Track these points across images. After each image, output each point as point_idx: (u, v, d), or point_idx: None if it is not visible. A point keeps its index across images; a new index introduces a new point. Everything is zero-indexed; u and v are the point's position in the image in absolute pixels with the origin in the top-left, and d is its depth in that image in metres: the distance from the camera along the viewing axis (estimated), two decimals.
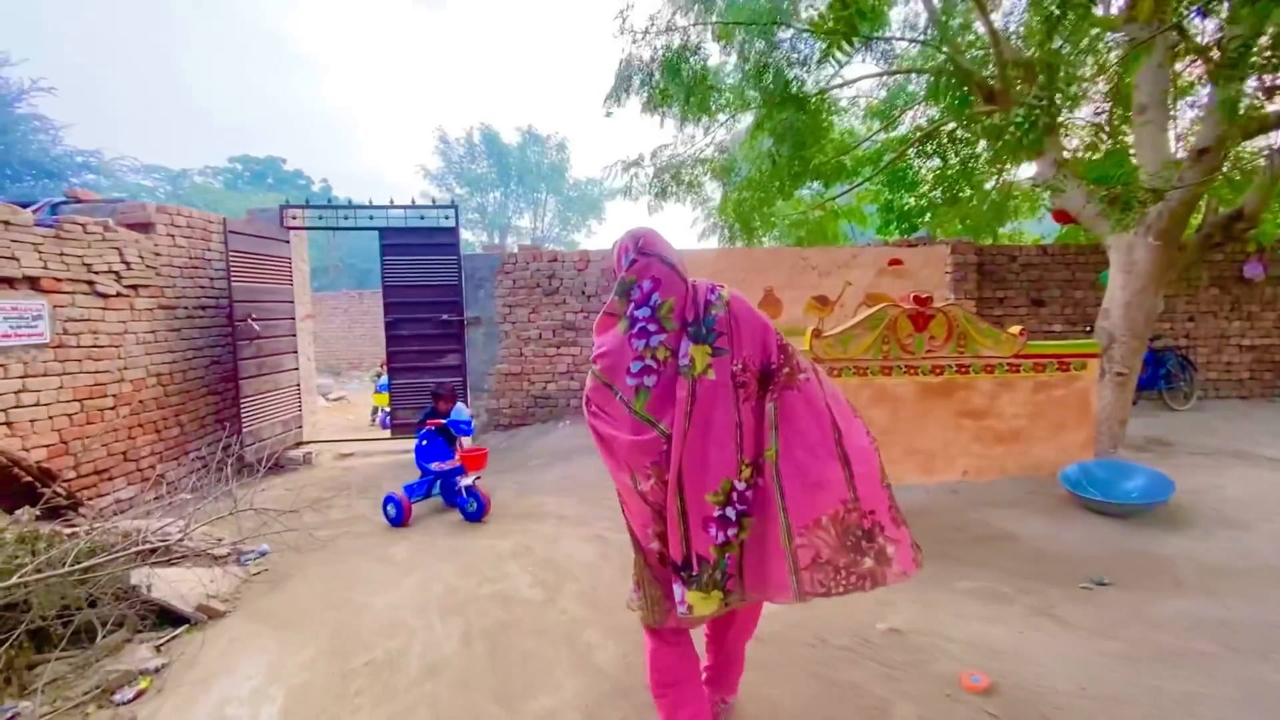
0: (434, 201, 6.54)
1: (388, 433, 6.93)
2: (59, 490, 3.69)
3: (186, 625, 2.99)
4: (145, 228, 5.03)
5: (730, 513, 1.60)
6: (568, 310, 6.65)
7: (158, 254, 5.06)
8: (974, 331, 4.17)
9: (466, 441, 4.78)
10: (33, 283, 3.96)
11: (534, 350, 6.66)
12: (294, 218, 6.42)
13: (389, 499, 4.30)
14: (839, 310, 6.57)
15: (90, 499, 4.35)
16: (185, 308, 5.39)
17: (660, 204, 7.63)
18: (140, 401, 4.83)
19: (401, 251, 6.45)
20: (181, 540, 3.65)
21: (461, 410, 4.57)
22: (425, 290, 6.50)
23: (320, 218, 6.45)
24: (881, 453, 1.73)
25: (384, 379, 8.81)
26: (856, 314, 6.50)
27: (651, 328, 1.66)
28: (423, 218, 6.49)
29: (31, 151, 19.43)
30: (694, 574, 1.59)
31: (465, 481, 4.29)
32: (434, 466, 4.53)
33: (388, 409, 8.04)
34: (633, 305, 1.69)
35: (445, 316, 6.52)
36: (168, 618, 3.05)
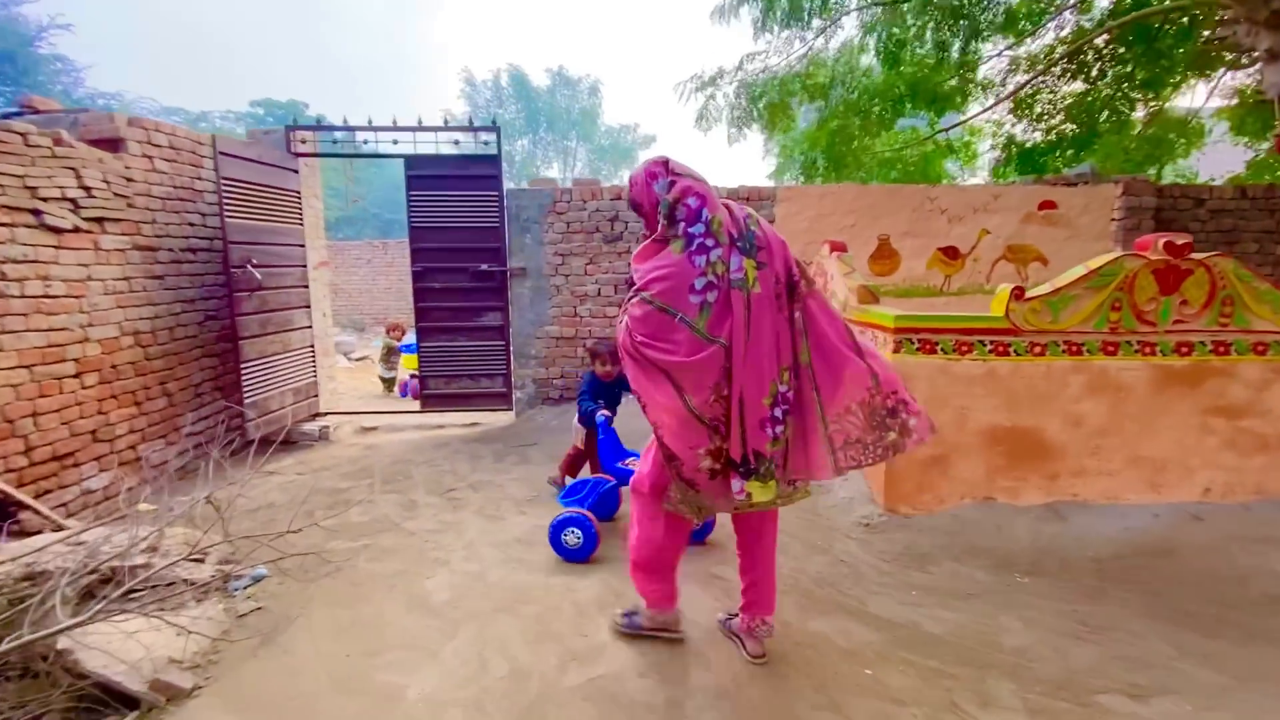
0: (471, 122, 5.37)
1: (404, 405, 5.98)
2: None
3: (136, 713, 2.04)
4: (113, 145, 3.98)
5: (778, 412, 1.82)
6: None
7: (130, 180, 4.02)
8: (1247, 295, 2.94)
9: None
10: None
11: (591, 309, 5.55)
12: (303, 141, 5.33)
13: (566, 524, 2.92)
14: (970, 265, 5.32)
15: (47, 492, 3.43)
16: (170, 249, 4.37)
17: (741, 133, 6.38)
18: (113, 367, 3.87)
19: (431, 185, 5.34)
20: (145, 565, 2.70)
21: None
22: (460, 233, 5.40)
23: (334, 142, 5.34)
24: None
25: (406, 340, 7.82)
26: (993, 271, 5.25)
27: (709, 243, 1.76)
28: (457, 143, 5.33)
29: (55, 93, 18.59)
30: (753, 468, 1.81)
31: None
32: (631, 465, 3.14)
33: (414, 375, 7.11)
34: (684, 224, 1.77)
35: (485, 266, 5.44)
36: (112, 695, 2.10)
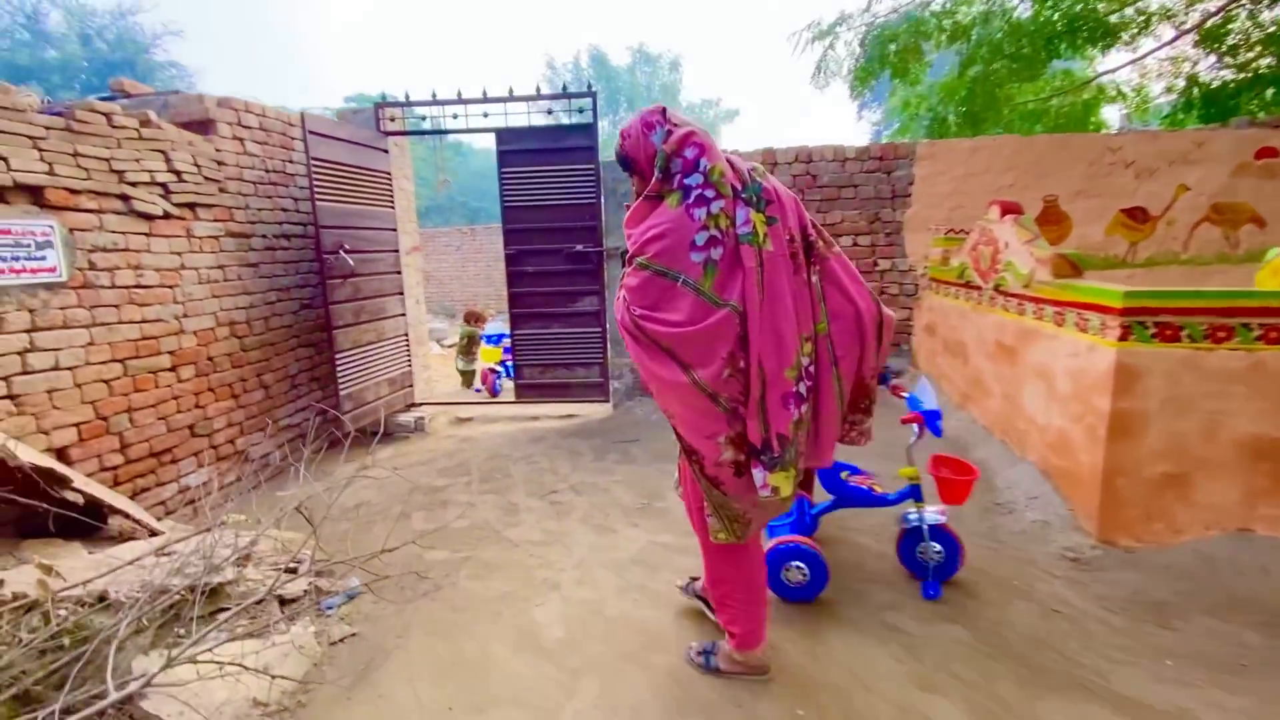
0: (565, 88, 4.92)
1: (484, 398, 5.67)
2: (74, 495, 2.57)
3: None
4: (204, 127, 3.80)
5: (802, 388, 1.61)
6: None
7: (221, 163, 3.83)
8: None
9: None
10: (34, 195, 2.78)
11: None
12: (391, 119, 5.06)
13: (787, 557, 2.28)
14: (1162, 230, 4.36)
15: (144, 490, 3.29)
16: (263, 235, 4.20)
17: (866, 85, 5.59)
18: (209, 359, 3.71)
19: (524, 159, 4.94)
20: (233, 582, 2.44)
21: (925, 389, 2.42)
22: (555, 212, 4.98)
23: (423, 119, 5.04)
24: None
25: (489, 329, 7.48)
26: (1192, 235, 4.28)
27: (709, 194, 1.54)
28: (550, 112, 4.90)
29: None
30: (775, 455, 1.57)
31: (931, 517, 2.35)
32: (858, 482, 2.55)
33: (497, 368, 6.80)
34: (680, 175, 1.57)
35: (579, 248, 5.00)
36: None
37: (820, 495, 2.70)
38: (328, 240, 4.31)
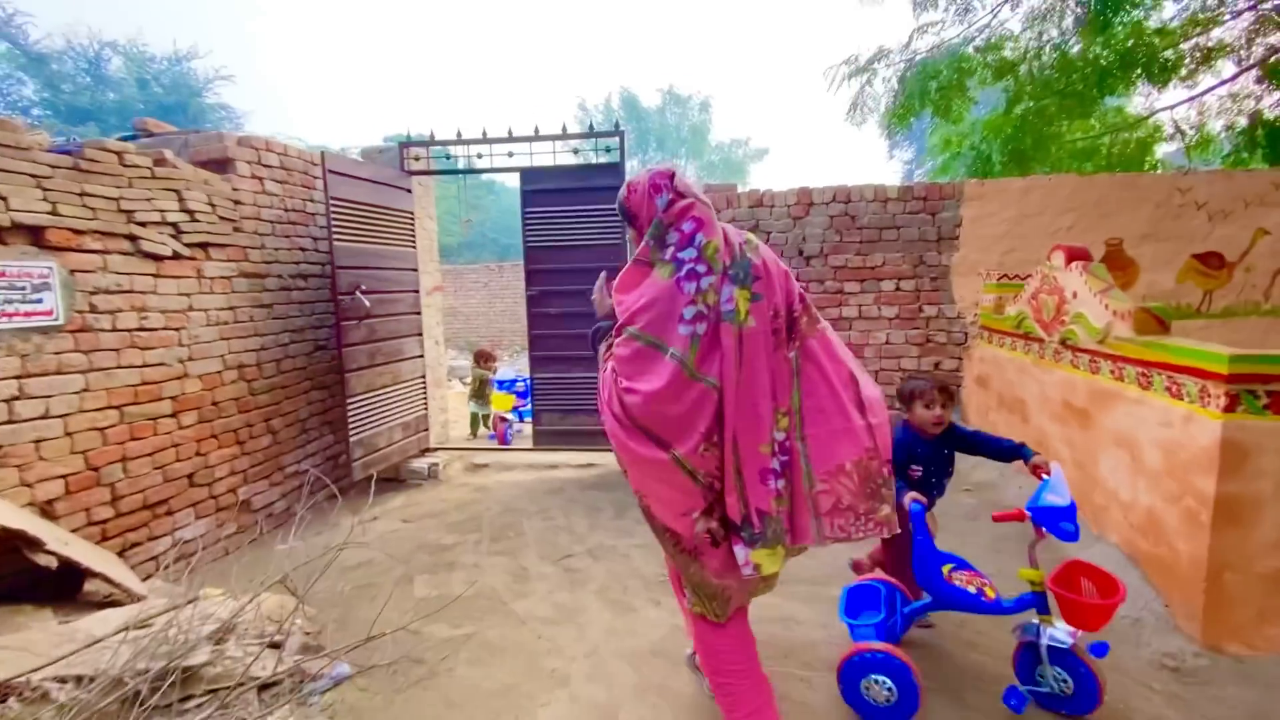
0: (591, 128, 4.78)
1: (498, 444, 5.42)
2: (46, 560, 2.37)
3: None
4: (222, 166, 3.72)
5: (777, 464, 1.60)
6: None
7: (237, 202, 3.73)
8: None
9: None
10: (34, 235, 2.66)
11: None
12: (415, 159, 4.97)
13: (869, 668, 1.95)
14: (1240, 277, 3.98)
15: (136, 545, 3.09)
16: (279, 275, 4.08)
17: (901, 126, 5.37)
18: (214, 404, 3.55)
19: (549, 199, 4.79)
20: (209, 663, 2.20)
21: (1055, 480, 1.98)
22: (580, 253, 4.80)
23: (448, 158, 4.94)
24: None
25: (501, 374, 7.18)
26: (1274, 283, 3.88)
27: (700, 269, 1.56)
28: (576, 151, 4.76)
29: None
30: (756, 532, 1.57)
31: (1056, 635, 1.92)
32: (963, 581, 2.07)
33: (509, 416, 6.50)
34: (674, 248, 1.59)
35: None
36: None
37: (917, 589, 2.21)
38: (344, 281, 4.18)
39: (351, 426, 4.26)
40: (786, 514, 1.62)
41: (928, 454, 2.28)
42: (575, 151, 4.77)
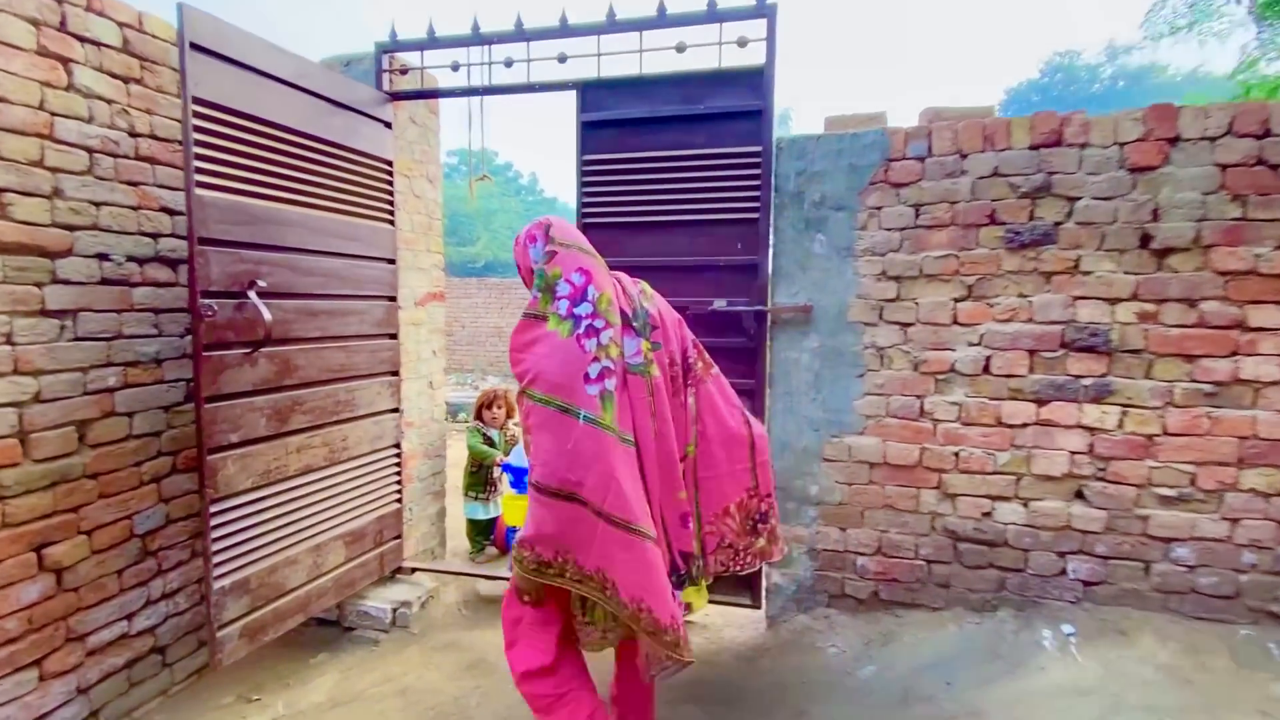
0: (713, 3, 2.61)
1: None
2: None
3: None
4: None
5: (691, 506, 1.69)
6: (1091, 285, 2.26)
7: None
8: None
9: None
10: None
11: (966, 400, 2.39)
12: (401, 72, 2.92)
13: None
14: None
15: None
16: (99, 257, 2.10)
17: None
18: None
19: (624, 137, 2.67)
20: None
21: None
22: (673, 236, 2.66)
23: (455, 68, 2.84)
24: None
25: (518, 454, 3.37)
26: None
27: (599, 324, 1.55)
28: (679, 50, 2.60)
29: None
30: (683, 573, 1.65)
31: None
32: None
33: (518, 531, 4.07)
34: (568, 303, 1.56)
35: (720, 303, 2.58)
36: None
37: None
38: (217, 270, 2.10)
39: (219, 559, 2.14)
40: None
41: None
42: (680, 50, 2.60)
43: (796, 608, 2.64)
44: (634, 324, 1.62)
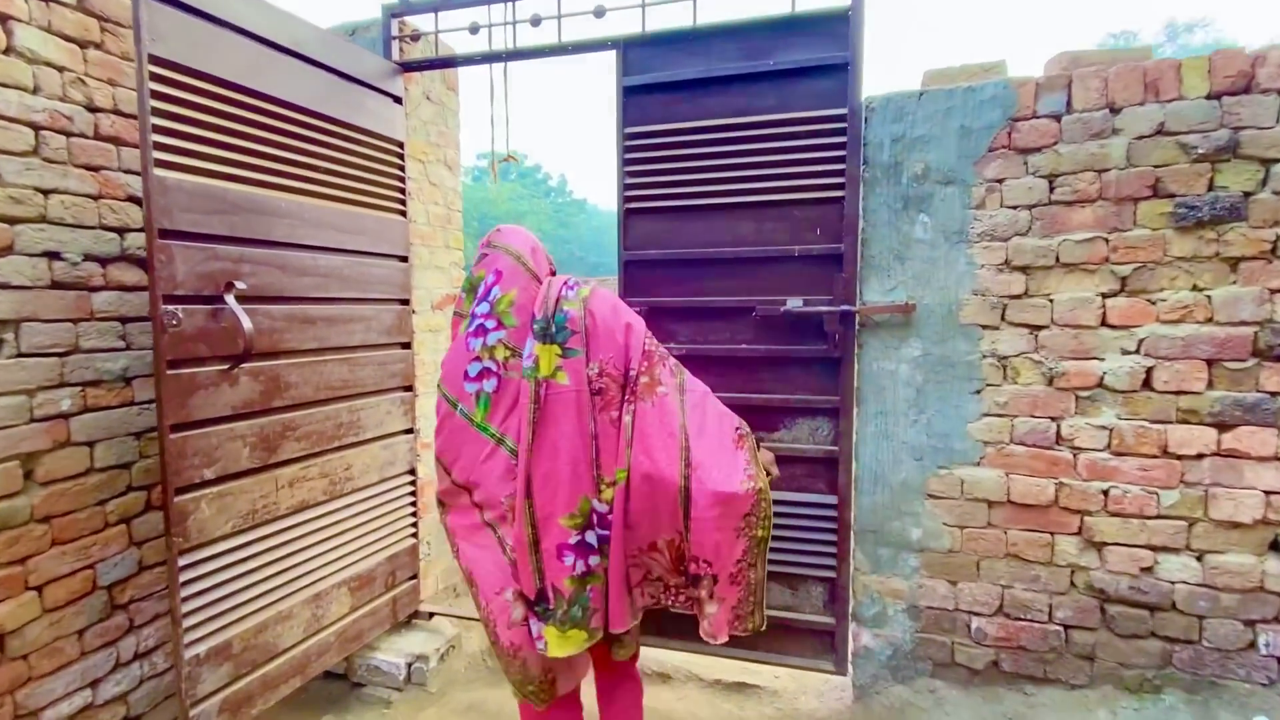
0: None
1: None
2: None
3: None
4: None
5: (591, 538, 1.50)
6: None
7: None
8: None
9: None
10: None
11: (1118, 425, 1.87)
12: (412, 39, 2.52)
13: None
14: None
15: None
16: (47, 255, 1.73)
17: None
18: None
19: (676, 103, 2.21)
20: None
21: None
22: (741, 222, 2.18)
23: (474, 30, 2.43)
24: None
25: None
26: None
27: (489, 324, 1.54)
28: None
29: None
30: (549, 609, 1.47)
31: None
32: None
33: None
34: (476, 302, 1.58)
35: (796, 304, 2.10)
36: None
37: None
38: (183, 269, 1.72)
39: (191, 621, 1.75)
40: (599, 593, 1.49)
41: None
42: None
43: (892, 676, 2.15)
44: (535, 326, 1.52)
